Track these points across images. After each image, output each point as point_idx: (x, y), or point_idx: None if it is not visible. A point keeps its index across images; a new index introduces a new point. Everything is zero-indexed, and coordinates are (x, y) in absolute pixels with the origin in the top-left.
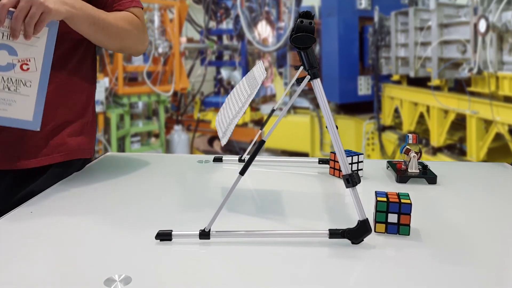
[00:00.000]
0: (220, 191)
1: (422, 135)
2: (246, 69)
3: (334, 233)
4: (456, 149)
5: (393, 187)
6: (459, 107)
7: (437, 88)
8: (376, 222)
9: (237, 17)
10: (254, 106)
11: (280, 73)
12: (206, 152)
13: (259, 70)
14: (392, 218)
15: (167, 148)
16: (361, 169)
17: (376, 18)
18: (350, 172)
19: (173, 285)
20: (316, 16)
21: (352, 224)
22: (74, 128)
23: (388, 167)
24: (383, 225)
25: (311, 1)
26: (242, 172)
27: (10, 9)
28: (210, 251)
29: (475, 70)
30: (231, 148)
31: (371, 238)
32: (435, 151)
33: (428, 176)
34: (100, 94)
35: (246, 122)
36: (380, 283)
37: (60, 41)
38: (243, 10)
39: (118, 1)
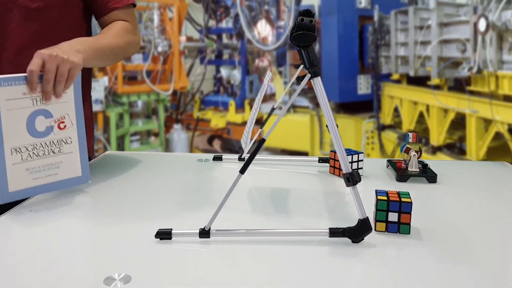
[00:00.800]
0: (220, 189)
1: (421, 134)
2: (245, 68)
3: (334, 232)
4: (455, 148)
5: (393, 186)
6: (459, 106)
7: (437, 87)
8: (376, 221)
9: (236, 16)
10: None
11: (280, 72)
12: (206, 151)
13: (267, 77)
14: (393, 216)
15: (167, 147)
16: (361, 168)
17: (376, 17)
18: (350, 170)
19: (173, 284)
20: (316, 15)
21: (353, 223)
22: None
23: (388, 166)
24: (384, 224)
25: (310, 0)
26: (242, 171)
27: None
28: (210, 249)
29: (475, 69)
30: (231, 147)
31: (372, 237)
32: (435, 150)
33: (428, 175)
34: (99, 93)
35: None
36: (380, 281)
37: (52, 36)
38: (242, 9)
39: None
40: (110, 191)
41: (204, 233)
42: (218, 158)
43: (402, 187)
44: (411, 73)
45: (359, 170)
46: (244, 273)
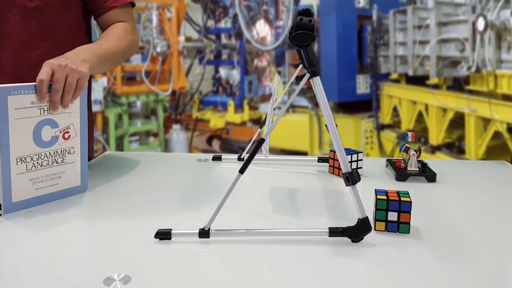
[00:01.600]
0: (219, 189)
1: (420, 133)
2: (244, 68)
3: (334, 231)
4: (454, 147)
5: (393, 185)
6: (458, 105)
7: (436, 86)
8: (376, 220)
9: (235, 16)
10: (252, 105)
11: (279, 72)
12: (205, 151)
13: (276, 81)
14: (392, 216)
15: (166, 147)
16: (361, 168)
17: (374, 17)
18: (350, 170)
19: (172, 284)
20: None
21: (352, 222)
22: None
23: (388, 165)
24: (383, 223)
25: (309, 0)
26: (241, 171)
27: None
28: (209, 249)
29: (473, 69)
30: (230, 147)
31: (371, 236)
32: (434, 149)
33: (427, 174)
34: (98, 93)
35: (244, 121)
36: (380, 281)
37: (52, 35)
38: (241, 9)
39: None
40: (109, 191)
41: (204, 233)
42: (217, 158)
43: (402, 186)
44: (410, 73)
45: (359, 170)
46: (244, 273)
